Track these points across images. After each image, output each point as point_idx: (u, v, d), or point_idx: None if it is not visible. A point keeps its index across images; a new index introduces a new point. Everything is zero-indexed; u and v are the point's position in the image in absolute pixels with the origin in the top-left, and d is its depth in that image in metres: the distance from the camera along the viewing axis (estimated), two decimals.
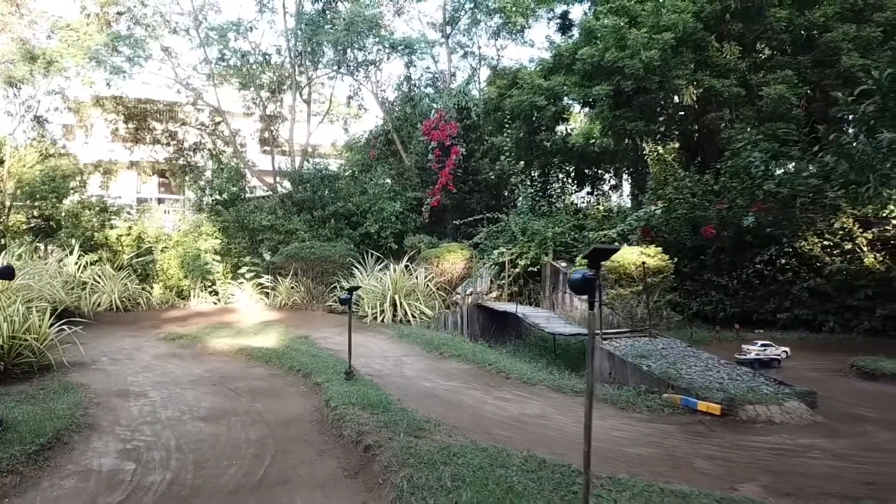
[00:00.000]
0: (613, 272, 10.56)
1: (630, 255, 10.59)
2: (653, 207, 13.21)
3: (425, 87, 26.02)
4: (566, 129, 22.79)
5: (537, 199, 19.16)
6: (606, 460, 5.21)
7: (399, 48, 23.26)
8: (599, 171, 23.91)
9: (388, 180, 21.96)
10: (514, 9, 23.78)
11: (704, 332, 11.64)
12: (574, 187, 23.28)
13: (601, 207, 18.25)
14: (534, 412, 6.87)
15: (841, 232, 11.14)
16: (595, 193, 23.78)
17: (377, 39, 23.43)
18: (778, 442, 5.78)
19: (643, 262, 10.19)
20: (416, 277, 15.08)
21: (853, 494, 4.40)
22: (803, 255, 11.50)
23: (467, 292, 15.78)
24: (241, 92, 24.62)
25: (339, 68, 24.53)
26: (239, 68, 23.65)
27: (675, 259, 12.35)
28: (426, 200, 19.44)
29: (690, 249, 12.89)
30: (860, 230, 10.97)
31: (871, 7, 16.44)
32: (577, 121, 24.31)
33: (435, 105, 22.19)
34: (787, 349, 9.37)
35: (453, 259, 15.89)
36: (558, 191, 21.13)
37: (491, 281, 15.88)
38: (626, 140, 18.84)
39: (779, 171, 12.77)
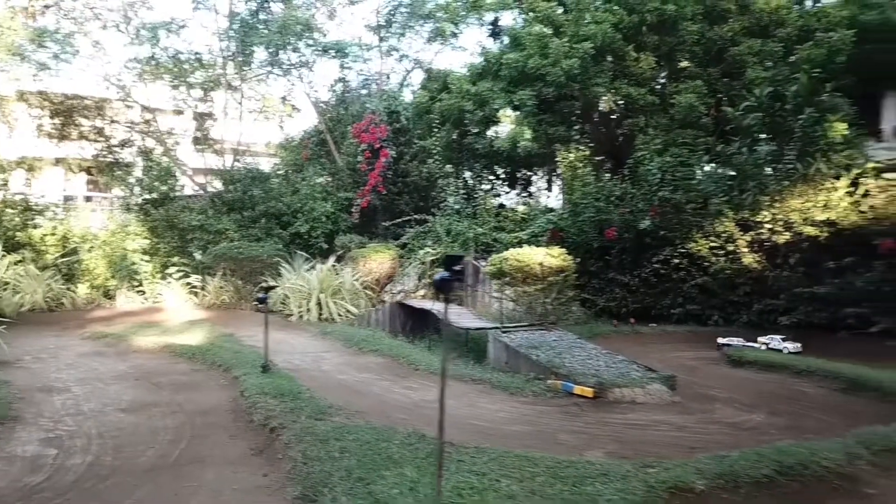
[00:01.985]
0: (520, 271, 11.44)
1: (535, 256, 11.49)
2: (560, 211, 14.19)
3: (359, 90, 26.56)
4: (496, 132, 23.72)
5: (464, 200, 20.01)
6: (485, 436, 5.99)
7: (331, 51, 23.73)
8: (528, 174, 24.91)
9: (321, 180, 22.43)
10: (444, 15, 24.58)
11: (605, 326, 12.68)
12: (505, 189, 24.25)
13: (519, 210, 19.19)
14: (433, 398, 7.57)
15: (724, 234, 12.30)
16: (523, 195, 24.78)
17: (311, 42, 23.85)
18: (635, 418, 6.70)
19: (540, 262, 11.11)
20: (343, 277, 15.66)
21: (675, 454, 5.30)
22: (693, 256, 12.64)
23: (395, 291, 16.48)
24: (173, 90, 24.60)
25: (272, 69, 24.83)
26: (170, 67, 23.65)
27: (582, 259, 13.35)
28: (356, 201, 20.03)
29: (597, 250, 13.90)
30: (740, 233, 12.16)
31: (773, 23, 17.83)
32: (508, 125, 25.29)
33: (369, 107, 22.77)
34: (799, 344, 10.18)
35: (380, 259, 16.52)
36: (486, 193, 21.99)
37: (418, 279, 16.60)
38: (550, 145, 19.88)
39: (683, 178, 13.80)
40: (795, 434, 6.09)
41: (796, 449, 5.00)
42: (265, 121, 29.03)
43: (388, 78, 27.21)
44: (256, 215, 19.92)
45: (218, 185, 22.91)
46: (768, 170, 12.62)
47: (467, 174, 22.79)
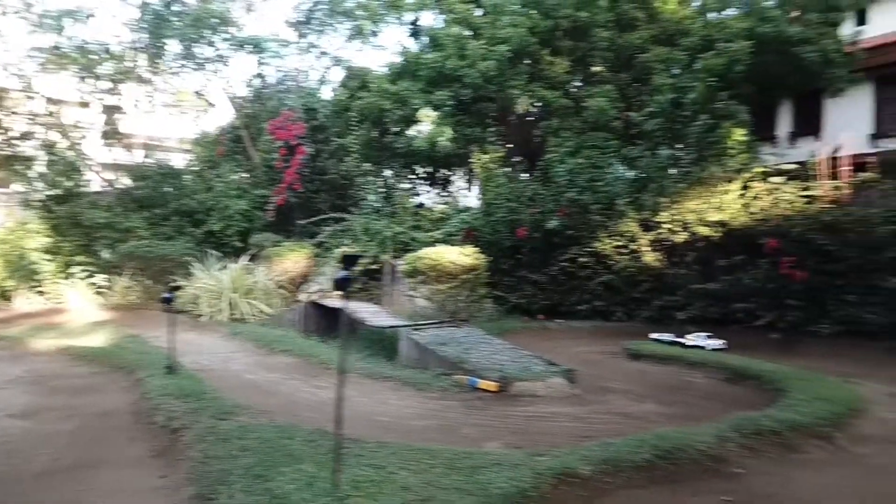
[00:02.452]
0: (434, 270, 11.67)
1: (449, 255, 11.74)
2: (473, 211, 14.52)
3: (277, 86, 26.16)
4: (418, 131, 23.86)
5: (384, 199, 20.08)
6: (390, 431, 6.15)
7: (247, 46, 23.28)
8: (449, 173, 25.18)
9: (236, 177, 22.00)
10: (363, 13, 24.51)
11: (516, 322, 13.08)
12: (426, 188, 24.44)
13: (437, 210, 19.45)
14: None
15: (628, 234, 12.93)
16: (444, 195, 25.03)
17: (227, 36, 23.32)
18: (535, 411, 7.01)
19: (453, 261, 11.37)
20: (257, 276, 15.47)
21: (567, 443, 5.59)
22: (599, 255, 13.21)
23: (312, 290, 16.39)
24: (80, 81, 23.50)
25: (186, 62, 24.11)
26: (76, 57, 22.60)
27: (495, 257, 13.73)
28: (272, 199, 19.77)
29: (509, 249, 14.31)
30: (642, 233, 12.81)
31: (679, 32, 18.73)
32: (429, 124, 25.46)
33: (288, 103, 22.48)
34: (724, 341, 10.57)
35: (295, 258, 16.41)
36: (404, 192, 22.10)
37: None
38: (468, 145, 20.21)
39: (591, 180, 14.36)
40: (680, 421, 6.53)
41: (674, 434, 5.39)
42: (179, 115, 28.18)
43: (308, 75, 26.96)
44: (168, 213, 19.37)
45: (127, 181, 22.10)
46: (673, 171, 13.33)
47: (387, 173, 22.84)
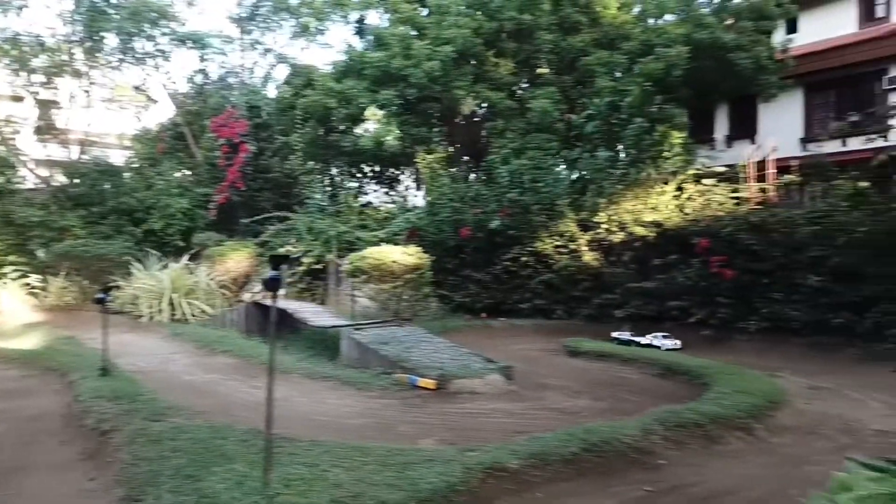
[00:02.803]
0: (377, 269, 11.71)
1: (392, 254, 11.80)
2: (417, 210, 14.62)
3: (220, 83, 25.71)
4: (366, 130, 23.79)
5: (329, 198, 19.96)
6: (327, 430, 6.18)
7: (188, 41, 22.81)
8: (397, 172, 25.18)
9: (178, 175, 21.57)
10: (308, 11, 24.32)
11: (460, 321, 13.22)
12: (373, 187, 24.38)
13: (383, 209, 19.48)
14: (279, 396, 7.52)
15: (567, 234, 13.23)
16: (392, 194, 25.02)
17: (168, 31, 22.82)
18: (472, 407, 7.15)
19: (396, 261, 11.45)
20: (198, 276, 15.23)
21: (500, 438, 5.74)
22: (540, 254, 13.48)
23: (255, 290, 16.19)
24: (12, 75, 22.62)
25: (125, 56, 23.47)
26: (7, 49, 21.76)
27: (439, 257, 13.85)
28: (214, 197, 19.45)
29: (453, 248, 14.45)
30: (581, 233, 13.13)
31: (620, 37, 19.17)
32: (376, 123, 25.41)
33: (231, 100, 22.13)
34: (679, 341, 10.81)
35: (238, 257, 16.19)
36: (349, 191, 21.98)
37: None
38: (415, 145, 20.28)
39: (532, 181, 14.61)
40: (611, 415, 6.75)
41: (601, 428, 5.59)
42: (120, 111, 27.37)
43: (252, 72, 26.59)
44: (105, 211, 18.86)
45: (63, 178, 21.40)
46: (611, 173, 13.67)
47: (334, 171, 22.72)
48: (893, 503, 2.04)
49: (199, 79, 24.93)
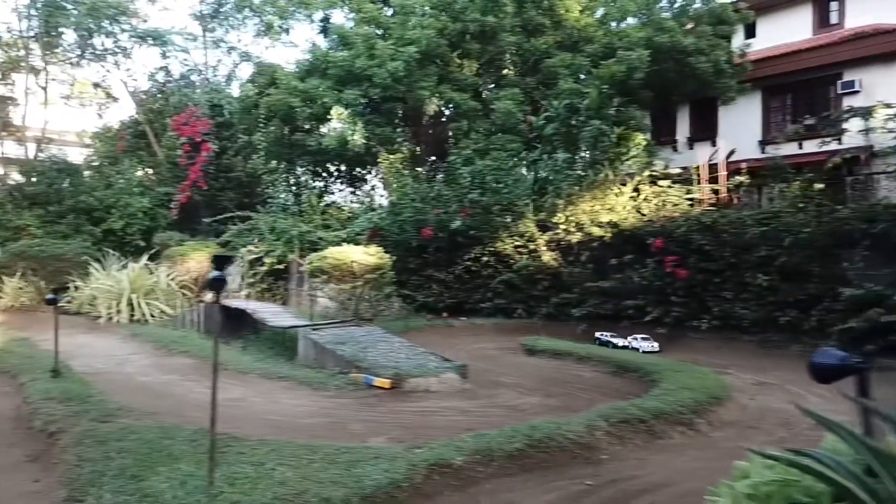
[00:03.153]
0: (337, 269, 11.74)
1: (352, 254, 11.84)
2: (380, 210, 14.68)
3: (183, 80, 25.44)
4: (333, 129, 23.69)
5: (294, 197, 19.90)
6: (278, 429, 6.22)
7: (149, 38, 22.54)
8: (363, 172, 25.13)
9: (140, 174, 21.32)
10: (272, 9, 24.17)
11: (422, 320, 13.31)
12: (339, 187, 24.31)
13: (346, 209, 19.49)
14: (234, 396, 7.70)
15: (527, 234, 13.41)
16: (358, 193, 24.97)
17: (128, 27, 22.52)
18: (425, 406, 7.25)
19: (356, 260, 11.50)
20: (159, 276, 15.09)
21: (450, 436, 5.83)
22: (500, 254, 13.64)
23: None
24: None
25: (84, 53, 23.11)
26: None
27: (402, 257, 13.95)
28: (176, 196, 19.26)
29: (416, 248, 14.53)
30: (540, 233, 13.32)
31: (583, 39, 19.44)
32: (341, 123, 25.32)
33: (194, 98, 21.92)
34: (657, 344, 10.86)
35: (200, 257, 16.07)
36: (312, 190, 21.91)
37: (241, 279, 16.32)
38: (381, 145, 20.28)
39: (493, 181, 14.76)
40: (561, 412, 6.90)
41: (546, 424, 5.73)
42: (80, 108, 26.93)
43: (216, 70, 26.39)
44: (64, 210, 18.57)
45: (19, 176, 21.01)
46: (569, 174, 13.89)
47: (299, 170, 22.62)
48: (783, 487, 2.19)
49: (161, 76, 24.65)
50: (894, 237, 9.39)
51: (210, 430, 4.46)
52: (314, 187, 22.34)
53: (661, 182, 12.88)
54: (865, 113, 12.93)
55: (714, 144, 18.03)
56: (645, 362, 8.95)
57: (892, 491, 1.88)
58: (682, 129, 22.40)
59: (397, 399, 7.56)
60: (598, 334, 11.61)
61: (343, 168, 23.64)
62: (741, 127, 20.31)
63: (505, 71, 21.06)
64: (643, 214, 12.65)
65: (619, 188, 13.03)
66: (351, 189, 24.60)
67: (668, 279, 11.61)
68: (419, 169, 19.38)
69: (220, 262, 4.28)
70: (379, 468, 4.76)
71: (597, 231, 12.51)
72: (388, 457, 5.00)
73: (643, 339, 10.97)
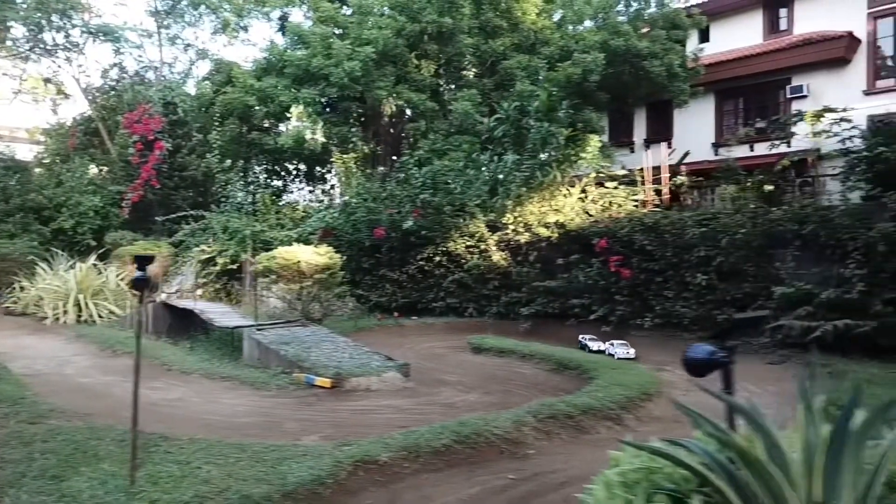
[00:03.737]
0: (286, 269, 11.73)
1: (301, 254, 11.84)
2: (331, 210, 14.71)
3: (137, 77, 25.00)
4: (287, 128, 23.56)
5: (250, 196, 19.76)
6: (212, 428, 6.26)
7: (100, 34, 22.14)
8: (323, 171, 25.04)
9: (92, 172, 20.94)
10: (228, 7, 23.95)
11: (373, 320, 13.39)
12: (298, 186, 24.20)
13: (300, 208, 19.44)
14: (175, 397, 7.72)
15: (477, 235, 13.58)
16: (314, 192, 24.89)
17: (81, 22, 22.10)
18: (364, 405, 7.34)
19: (305, 260, 11.51)
20: (107, 276, 14.88)
21: (384, 433, 5.94)
22: (452, 254, 13.79)
23: (172, 290, 15.91)
24: None
25: (33, 48, 22.58)
26: None
27: (356, 256, 14.02)
28: (128, 195, 18.97)
29: (369, 248, 14.60)
30: (490, 233, 13.51)
31: (539, 42, 19.68)
32: (298, 122, 25.20)
33: (149, 95, 21.57)
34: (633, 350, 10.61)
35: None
36: (269, 189, 21.78)
37: (195, 278, 16.18)
38: (340, 144, 20.24)
39: (445, 182, 14.88)
40: (497, 408, 7.04)
41: (475, 421, 5.88)
42: (33, 104, 26.27)
43: (172, 67, 26.04)
44: (11, 209, 18.14)
45: None
46: (518, 175, 14.09)
47: (257, 169, 22.47)
48: (648, 474, 2.38)
49: (114, 73, 24.18)
50: (823, 238, 9.77)
51: (132, 429, 4.51)
52: (270, 186, 22.22)
53: (607, 184, 13.16)
54: (815, 116, 13.26)
55: (669, 146, 18.43)
56: (584, 360, 9.17)
57: (744, 476, 2.06)
58: (640, 131, 22.88)
59: (337, 398, 7.64)
60: (580, 337, 11.36)
61: (302, 167, 23.58)
62: (695, 129, 20.84)
63: (464, 72, 21.24)
64: (590, 215, 12.91)
65: (567, 189, 13.27)
66: (310, 188, 24.55)
67: (613, 278, 11.89)
68: (381, 168, 19.41)
69: (143, 262, 4.32)
70: (304, 465, 4.85)
71: (544, 231, 12.74)
72: (316, 454, 5.10)
73: (621, 344, 10.64)
